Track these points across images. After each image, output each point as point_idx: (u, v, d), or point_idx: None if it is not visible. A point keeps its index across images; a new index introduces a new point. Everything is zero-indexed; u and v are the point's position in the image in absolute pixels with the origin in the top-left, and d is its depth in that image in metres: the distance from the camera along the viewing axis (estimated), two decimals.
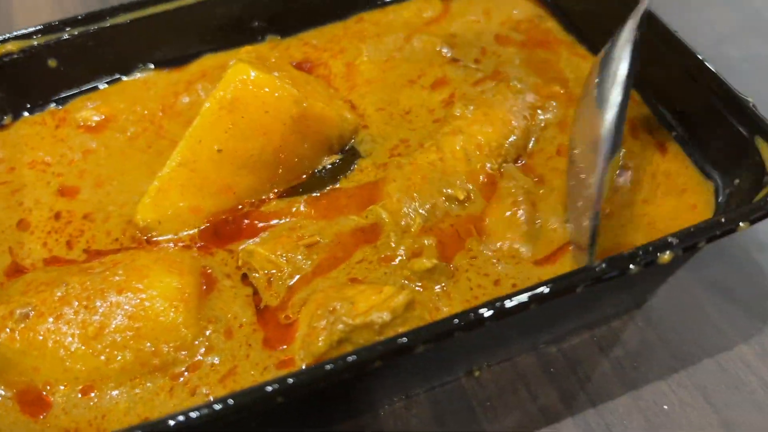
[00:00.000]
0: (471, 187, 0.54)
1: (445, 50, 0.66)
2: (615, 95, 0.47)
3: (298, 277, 0.51)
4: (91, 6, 0.82)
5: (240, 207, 0.55)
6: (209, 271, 0.52)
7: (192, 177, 0.54)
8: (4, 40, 0.60)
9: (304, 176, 0.58)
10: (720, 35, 0.75)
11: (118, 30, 0.63)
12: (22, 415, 0.45)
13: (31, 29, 0.61)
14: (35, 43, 0.61)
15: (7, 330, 0.46)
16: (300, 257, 0.51)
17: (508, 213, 0.52)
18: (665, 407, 0.49)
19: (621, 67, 0.48)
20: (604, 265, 0.41)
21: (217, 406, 0.36)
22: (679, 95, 0.56)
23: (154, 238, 0.54)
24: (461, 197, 0.54)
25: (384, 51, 0.67)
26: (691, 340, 0.52)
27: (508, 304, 0.40)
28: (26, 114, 0.63)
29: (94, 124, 0.62)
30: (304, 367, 0.46)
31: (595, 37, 0.63)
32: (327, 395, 0.44)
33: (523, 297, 0.40)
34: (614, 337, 0.53)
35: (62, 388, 0.46)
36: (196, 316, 0.48)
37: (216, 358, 0.47)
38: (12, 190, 0.58)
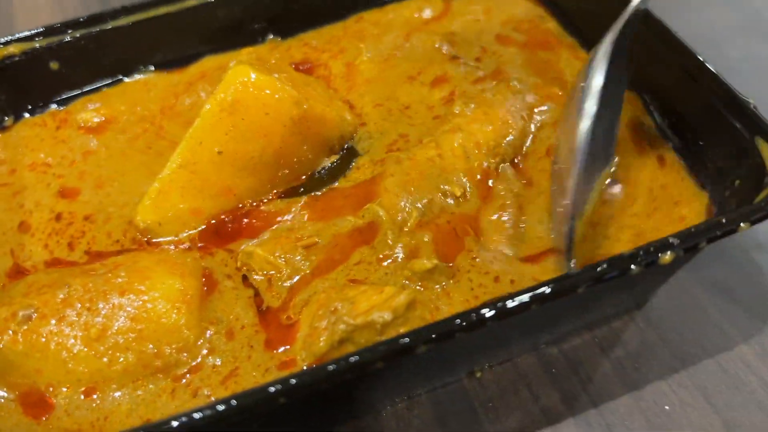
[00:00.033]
0: (468, 185, 0.55)
1: (444, 48, 0.66)
2: (590, 106, 0.47)
3: (297, 278, 0.51)
4: (91, 6, 0.82)
5: (240, 206, 0.55)
6: (210, 272, 0.52)
7: (192, 179, 0.54)
8: (6, 43, 0.60)
9: (304, 177, 0.58)
10: (720, 35, 0.75)
11: (119, 32, 0.63)
12: (24, 417, 0.45)
13: (33, 31, 0.61)
14: (37, 45, 0.61)
15: (10, 332, 0.46)
16: (298, 258, 0.51)
17: (495, 216, 0.53)
18: (666, 407, 0.49)
19: (596, 78, 0.48)
20: (605, 266, 0.41)
21: (220, 407, 0.36)
22: (678, 96, 0.56)
23: (154, 240, 0.54)
24: (458, 194, 0.54)
25: (383, 50, 0.67)
26: (691, 341, 0.52)
27: (510, 304, 0.40)
28: (27, 115, 0.63)
29: (94, 125, 0.62)
30: (305, 367, 0.46)
31: (596, 37, 0.63)
32: (329, 396, 0.44)
33: (525, 297, 0.40)
34: (615, 337, 0.53)
35: (65, 389, 0.46)
36: (198, 318, 0.48)
37: (218, 360, 0.47)
38: (13, 192, 0.58)
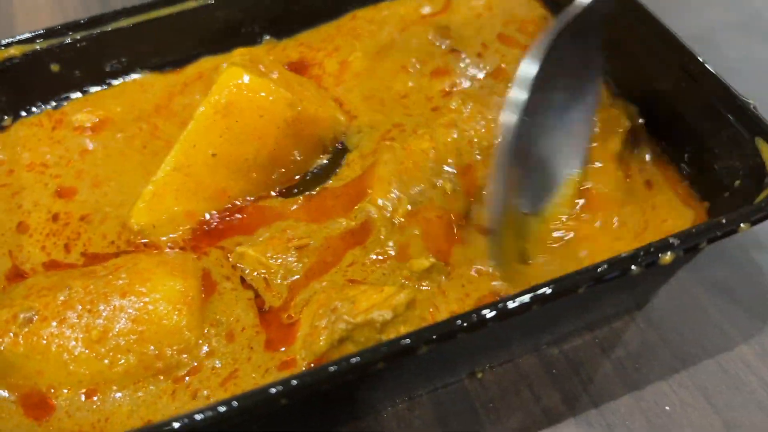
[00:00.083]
0: (457, 182, 0.55)
1: (439, 40, 0.66)
2: (516, 94, 0.46)
3: (290, 279, 0.51)
4: (91, 6, 0.82)
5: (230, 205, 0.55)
6: (208, 273, 0.52)
7: (186, 181, 0.54)
8: (7, 45, 0.60)
9: (298, 177, 0.58)
10: (720, 36, 0.75)
11: (119, 34, 0.63)
12: (25, 419, 0.45)
13: (33, 33, 0.61)
14: (37, 47, 0.61)
15: (11, 334, 0.46)
16: (291, 259, 0.51)
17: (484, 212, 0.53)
18: (667, 408, 0.49)
19: (528, 67, 0.46)
20: (605, 266, 0.41)
21: (221, 409, 0.36)
22: (678, 96, 0.56)
23: (142, 240, 0.53)
24: (449, 191, 0.54)
25: (376, 44, 0.67)
26: (692, 341, 0.52)
27: (510, 305, 0.40)
28: (24, 114, 0.63)
29: (90, 126, 0.62)
30: (305, 366, 0.46)
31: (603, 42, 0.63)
32: (330, 397, 0.44)
33: (525, 298, 0.40)
34: (616, 337, 0.53)
35: (65, 391, 0.46)
36: (199, 319, 0.48)
37: (217, 362, 0.47)
38: (12, 193, 0.58)
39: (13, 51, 0.60)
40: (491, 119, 0.58)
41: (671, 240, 0.42)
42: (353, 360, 0.38)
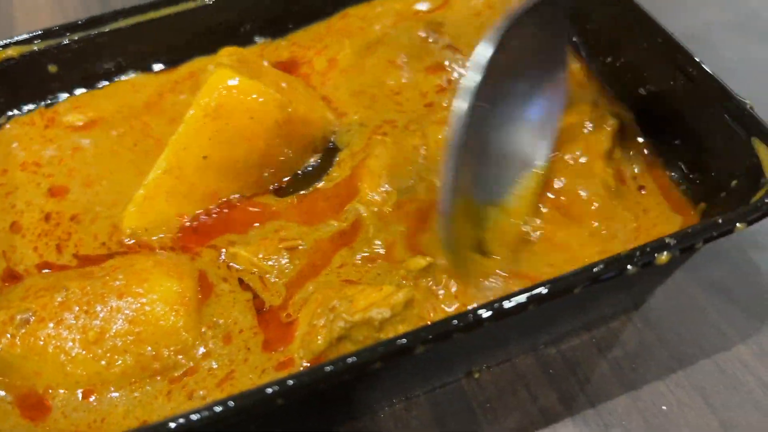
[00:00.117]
0: None
1: (431, 36, 0.65)
2: (469, 78, 0.44)
3: (284, 280, 0.51)
4: (91, 6, 0.82)
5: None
6: (204, 274, 0.52)
7: (177, 184, 0.54)
8: (5, 46, 0.60)
9: (289, 177, 0.58)
10: (716, 36, 0.75)
11: (117, 35, 0.63)
12: (22, 419, 0.45)
13: (31, 34, 0.61)
14: (35, 48, 0.61)
15: (8, 335, 0.46)
16: (284, 261, 0.51)
17: None
18: (664, 408, 0.49)
19: (482, 51, 0.44)
20: (602, 266, 0.41)
21: (218, 409, 0.36)
22: (674, 96, 0.56)
23: (132, 240, 0.53)
24: (437, 185, 0.54)
25: (365, 40, 0.66)
26: (689, 341, 0.52)
27: (507, 304, 0.40)
28: (16, 112, 0.63)
29: (81, 123, 0.62)
30: (303, 365, 0.46)
31: (602, 44, 0.63)
32: (326, 397, 0.44)
33: (522, 298, 0.40)
34: (613, 338, 0.53)
35: (62, 392, 0.46)
36: (196, 320, 0.48)
37: (214, 363, 0.47)
38: (6, 193, 0.58)
39: (11, 52, 0.60)
40: None
41: (667, 240, 0.42)
42: (350, 360, 0.38)
